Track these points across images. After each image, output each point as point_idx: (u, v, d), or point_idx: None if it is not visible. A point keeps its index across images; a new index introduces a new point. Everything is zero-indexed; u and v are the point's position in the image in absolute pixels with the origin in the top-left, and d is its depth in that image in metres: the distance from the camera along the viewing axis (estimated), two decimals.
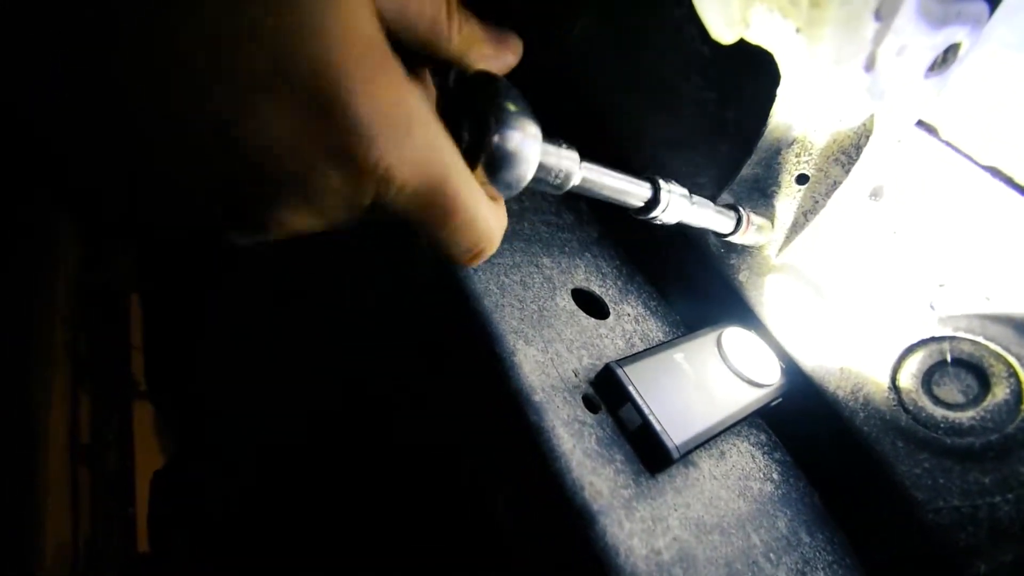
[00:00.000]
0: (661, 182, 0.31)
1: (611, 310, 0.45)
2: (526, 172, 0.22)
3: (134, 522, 1.09)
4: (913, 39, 0.25)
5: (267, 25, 0.14)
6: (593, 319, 0.43)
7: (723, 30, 0.29)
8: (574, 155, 0.25)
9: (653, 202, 0.31)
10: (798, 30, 0.25)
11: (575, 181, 0.26)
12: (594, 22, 0.53)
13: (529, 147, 0.22)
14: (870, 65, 0.25)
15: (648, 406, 0.35)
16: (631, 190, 0.30)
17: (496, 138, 0.21)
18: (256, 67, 0.14)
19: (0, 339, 0.97)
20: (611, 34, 0.52)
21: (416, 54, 0.21)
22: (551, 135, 0.24)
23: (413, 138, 0.17)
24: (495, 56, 0.24)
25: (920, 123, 0.34)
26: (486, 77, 0.22)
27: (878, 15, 0.23)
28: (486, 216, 0.21)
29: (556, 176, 0.24)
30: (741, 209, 0.38)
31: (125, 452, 1.17)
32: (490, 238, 0.22)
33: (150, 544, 0.93)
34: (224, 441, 0.77)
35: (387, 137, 0.16)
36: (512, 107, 0.21)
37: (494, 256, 0.37)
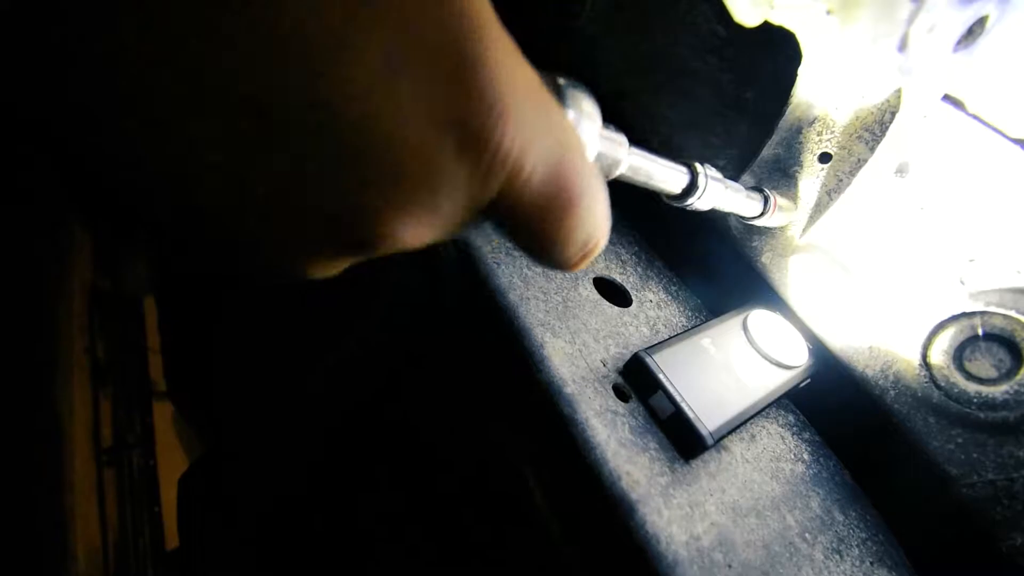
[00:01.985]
0: (698, 167, 0.30)
1: (633, 297, 0.45)
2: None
3: (161, 520, 1.12)
4: (944, 15, 0.25)
5: None
6: (616, 307, 0.43)
7: (747, 12, 0.29)
8: (623, 139, 0.23)
9: (691, 188, 0.30)
10: (829, 12, 0.25)
11: (622, 169, 0.23)
12: (604, 3, 0.52)
13: (587, 130, 0.19)
14: (903, 45, 0.25)
15: (679, 393, 0.35)
16: (671, 177, 0.28)
17: None
18: (373, 34, 0.12)
19: (23, 348, 0.98)
20: (621, 15, 0.51)
21: None
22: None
23: (540, 116, 0.15)
24: None
25: (946, 97, 0.34)
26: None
27: None
28: (604, 200, 0.18)
29: (607, 163, 0.22)
30: (767, 191, 0.38)
31: (148, 452, 1.19)
32: (606, 229, 0.18)
33: (181, 540, 0.95)
34: (249, 436, 0.78)
35: (519, 113, 0.14)
36: (578, 92, 0.19)
37: (514, 249, 0.37)
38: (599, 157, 0.21)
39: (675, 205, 0.31)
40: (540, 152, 0.15)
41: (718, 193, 0.32)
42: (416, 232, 0.15)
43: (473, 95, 0.13)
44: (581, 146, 0.17)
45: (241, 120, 0.12)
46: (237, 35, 0.11)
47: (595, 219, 0.17)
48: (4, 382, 0.91)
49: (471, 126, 0.13)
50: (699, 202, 0.31)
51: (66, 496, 0.98)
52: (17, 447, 0.94)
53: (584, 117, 0.18)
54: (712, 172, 0.30)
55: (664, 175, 0.28)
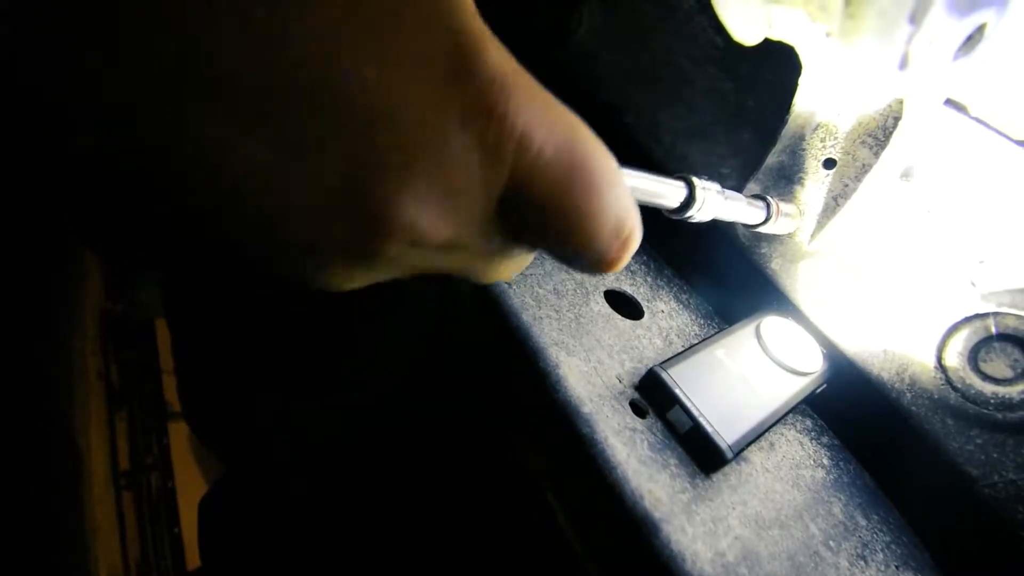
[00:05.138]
0: (695, 180, 0.30)
1: (645, 309, 0.45)
2: None
3: (182, 541, 1.12)
4: (943, 28, 0.25)
5: None
6: (629, 321, 0.43)
7: (745, 31, 0.29)
8: None
9: (689, 201, 0.31)
10: (828, 34, 0.25)
11: None
12: (600, 14, 0.52)
13: None
14: (904, 63, 0.25)
15: (696, 407, 0.35)
16: (668, 192, 0.29)
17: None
18: (379, 23, 0.13)
19: (38, 374, 0.99)
20: (618, 26, 0.51)
21: None
22: None
23: (541, 98, 0.15)
24: None
25: (949, 101, 0.34)
26: None
27: (912, 18, 0.23)
28: (624, 183, 0.17)
29: None
30: (770, 199, 0.38)
31: (165, 473, 1.20)
32: (636, 213, 0.18)
33: (203, 562, 0.95)
34: (265, 457, 0.78)
35: (521, 92, 0.14)
36: None
37: (526, 267, 0.37)
38: None
39: (675, 219, 0.31)
40: (548, 128, 0.15)
41: (717, 204, 0.32)
42: (432, 220, 0.15)
43: (474, 70, 0.14)
44: (589, 129, 0.17)
45: (243, 108, 0.12)
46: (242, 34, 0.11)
47: (621, 200, 0.17)
48: (20, 409, 0.92)
49: (474, 97, 0.14)
50: (699, 214, 0.31)
51: (87, 520, 0.99)
52: (36, 473, 0.95)
53: None
54: (709, 184, 0.31)
55: (659, 190, 0.28)
